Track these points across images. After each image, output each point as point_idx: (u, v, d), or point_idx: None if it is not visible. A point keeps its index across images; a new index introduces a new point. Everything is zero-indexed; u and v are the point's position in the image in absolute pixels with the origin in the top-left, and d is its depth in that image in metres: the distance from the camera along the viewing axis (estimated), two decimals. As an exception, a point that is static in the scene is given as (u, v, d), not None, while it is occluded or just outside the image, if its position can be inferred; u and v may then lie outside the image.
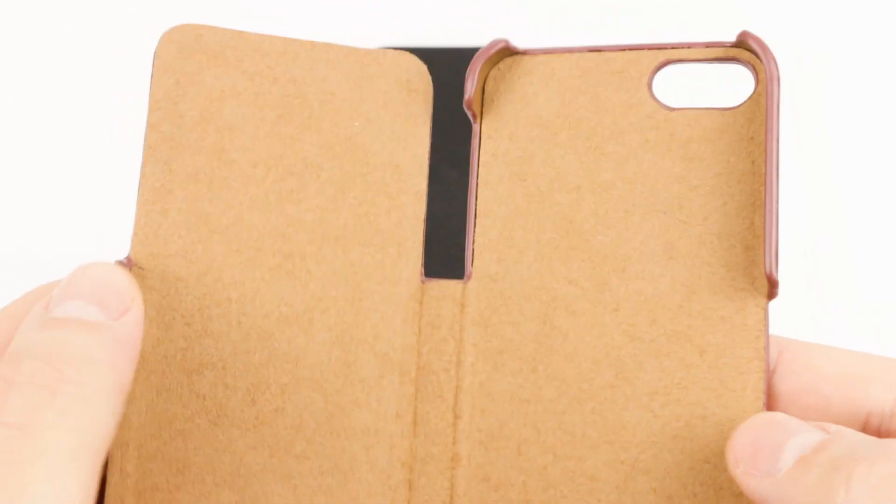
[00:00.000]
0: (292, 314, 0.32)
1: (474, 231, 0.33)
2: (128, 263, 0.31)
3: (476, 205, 0.33)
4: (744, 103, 0.32)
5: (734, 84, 0.33)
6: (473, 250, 0.33)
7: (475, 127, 0.33)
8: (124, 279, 0.29)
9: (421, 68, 0.33)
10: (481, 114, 0.33)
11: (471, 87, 0.32)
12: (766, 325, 0.31)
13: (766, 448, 0.29)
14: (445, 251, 0.36)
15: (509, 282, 0.32)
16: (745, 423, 0.29)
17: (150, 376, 0.31)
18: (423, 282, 0.33)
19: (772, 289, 0.30)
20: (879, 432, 0.32)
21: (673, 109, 0.32)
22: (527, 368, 0.32)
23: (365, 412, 0.32)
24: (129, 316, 0.29)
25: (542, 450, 0.31)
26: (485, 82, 0.33)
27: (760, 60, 0.31)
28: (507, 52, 0.33)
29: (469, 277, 0.33)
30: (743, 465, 0.29)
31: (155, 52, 0.33)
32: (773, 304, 0.31)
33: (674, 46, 0.32)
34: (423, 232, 0.33)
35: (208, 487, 0.31)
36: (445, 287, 0.33)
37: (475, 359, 0.32)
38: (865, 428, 0.32)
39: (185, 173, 0.32)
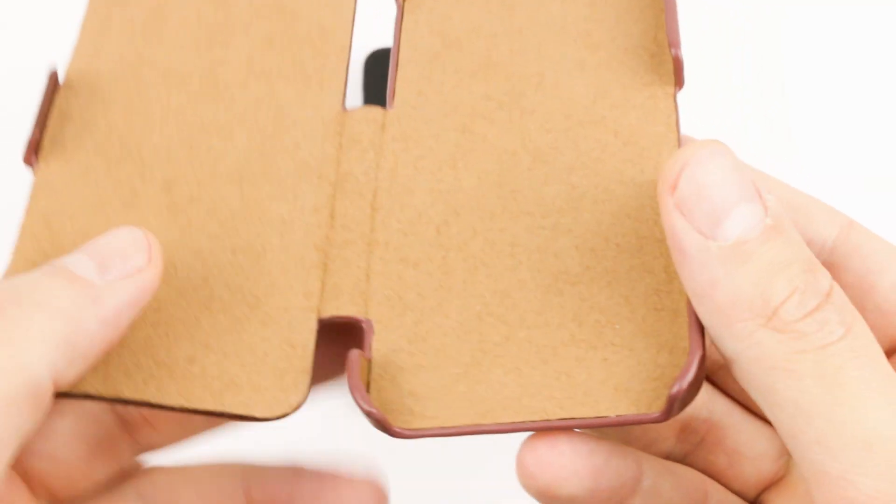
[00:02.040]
0: (213, 127, 0.33)
1: (396, 76, 0.35)
2: (53, 79, 0.33)
3: (398, 56, 0.35)
4: None
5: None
6: (395, 89, 0.34)
7: (398, 2, 0.36)
8: (141, 248, 0.28)
9: None
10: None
11: None
12: (676, 109, 0.32)
13: (712, 201, 0.26)
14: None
15: (429, 107, 0.34)
16: (699, 155, 0.27)
17: (69, 163, 0.32)
18: (344, 111, 0.34)
19: (678, 74, 0.32)
20: None
21: None
22: (446, 166, 0.33)
23: (281, 204, 0.32)
24: (124, 284, 0.28)
25: (461, 228, 0.31)
26: None
27: None
28: None
29: (390, 107, 0.34)
30: (678, 200, 0.27)
31: None
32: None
33: None
34: (345, 75, 0.35)
35: None
36: (367, 112, 0.34)
37: (395, 164, 0.33)
38: None
39: (121, 20, 0.35)
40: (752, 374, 0.26)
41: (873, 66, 0.62)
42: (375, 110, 0.34)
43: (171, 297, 0.30)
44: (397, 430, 0.28)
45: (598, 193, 0.31)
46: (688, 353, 0.27)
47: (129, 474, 0.32)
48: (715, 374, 0.33)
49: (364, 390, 0.28)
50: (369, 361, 0.30)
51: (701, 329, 0.27)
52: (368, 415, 0.28)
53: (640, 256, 0.30)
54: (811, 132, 0.60)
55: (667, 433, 0.32)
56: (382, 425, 0.28)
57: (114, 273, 0.28)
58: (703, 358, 0.27)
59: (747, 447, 0.31)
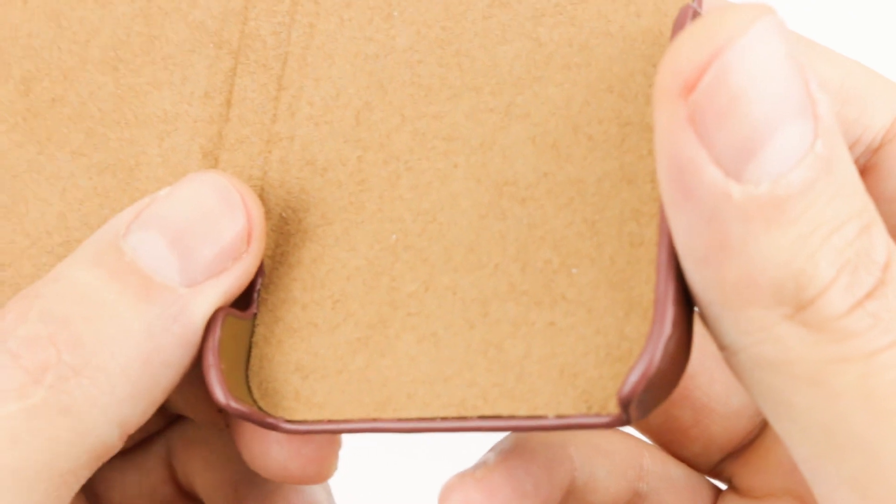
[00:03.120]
0: None
1: None
2: None
3: None
4: None
5: None
6: None
7: None
8: (234, 212, 0.21)
9: None
10: None
11: None
12: None
13: (749, 120, 0.17)
14: None
15: None
16: (746, 37, 0.17)
17: None
18: None
19: None
20: (856, 165, 0.23)
21: None
22: (380, 17, 0.24)
23: (165, 94, 0.25)
24: (215, 286, 0.21)
25: (387, 113, 0.23)
26: None
27: None
28: None
29: None
30: (695, 110, 0.17)
31: None
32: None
33: None
34: None
35: None
36: None
37: (315, 18, 0.25)
38: None
39: None
40: (758, 378, 0.18)
41: (875, 65, 0.61)
42: None
43: (20, 246, 0.25)
44: (271, 421, 0.21)
45: (571, 53, 0.22)
46: (651, 328, 0.18)
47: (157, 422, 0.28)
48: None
49: (220, 373, 0.21)
50: (254, 317, 0.23)
51: (679, 292, 0.19)
52: (227, 410, 0.21)
53: (620, 155, 0.21)
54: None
55: None
56: (251, 419, 0.21)
57: (201, 264, 0.21)
58: (676, 338, 0.18)
59: (720, 402, 0.25)
